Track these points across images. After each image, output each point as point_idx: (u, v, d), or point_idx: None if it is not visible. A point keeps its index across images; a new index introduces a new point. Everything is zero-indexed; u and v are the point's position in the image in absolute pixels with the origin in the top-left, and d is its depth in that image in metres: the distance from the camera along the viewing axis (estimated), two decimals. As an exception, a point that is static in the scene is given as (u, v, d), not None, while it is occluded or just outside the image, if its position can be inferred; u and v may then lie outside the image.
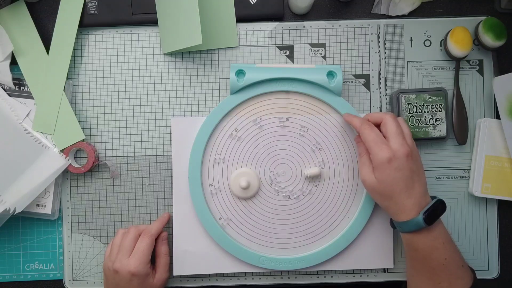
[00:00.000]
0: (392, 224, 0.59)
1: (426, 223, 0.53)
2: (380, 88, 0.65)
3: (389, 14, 0.65)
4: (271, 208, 0.63)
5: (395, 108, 0.63)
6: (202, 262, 0.63)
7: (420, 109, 0.63)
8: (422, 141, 0.63)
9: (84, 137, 0.63)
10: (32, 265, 0.65)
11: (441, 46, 0.65)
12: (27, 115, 0.63)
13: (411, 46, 0.65)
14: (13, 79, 0.62)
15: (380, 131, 0.56)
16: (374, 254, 0.63)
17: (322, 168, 0.63)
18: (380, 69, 0.65)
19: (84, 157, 0.64)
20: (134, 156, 0.64)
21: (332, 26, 0.65)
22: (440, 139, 0.63)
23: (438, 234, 0.54)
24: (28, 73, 0.63)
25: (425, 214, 0.53)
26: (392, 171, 0.53)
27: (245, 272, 0.64)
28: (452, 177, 0.65)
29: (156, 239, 0.61)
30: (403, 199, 0.54)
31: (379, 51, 0.65)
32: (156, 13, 0.63)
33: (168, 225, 0.64)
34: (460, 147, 0.65)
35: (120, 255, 0.58)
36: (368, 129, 0.56)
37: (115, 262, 0.58)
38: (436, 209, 0.54)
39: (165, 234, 0.63)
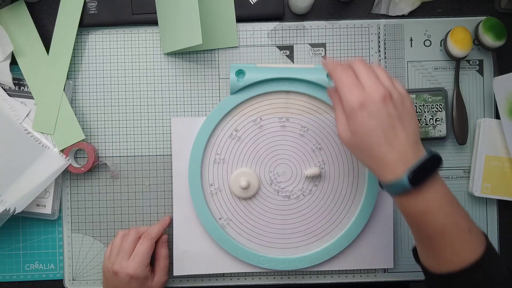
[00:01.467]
0: (380, 184, 0.50)
1: (412, 185, 0.44)
2: (380, 88, 0.65)
3: (389, 14, 0.65)
4: (271, 208, 0.63)
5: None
6: (202, 262, 0.63)
7: (420, 109, 0.63)
8: (422, 141, 0.63)
9: (84, 137, 0.63)
10: (32, 265, 0.65)
11: (441, 46, 0.65)
12: (27, 115, 0.63)
13: (411, 46, 0.65)
14: (13, 79, 0.62)
15: None
16: (374, 254, 0.63)
17: (322, 168, 0.63)
18: (380, 69, 0.65)
19: (84, 157, 0.64)
20: (134, 156, 0.64)
21: (332, 26, 0.65)
22: (440, 139, 0.63)
23: (432, 196, 0.45)
24: (28, 73, 0.63)
25: (411, 173, 0.44)
26: (366, 118, 0.45)
27: (245, 272, 0.64)
28: (452, 177, 0.65)
29: (156, 241, 0.61)
30: (384, 152, 0.45)
31: (379, 51, 0.65)
32: (156, 13, 0.63)
33: (168, 227, 0.64)
34: (460, 147, 0.65)
35: (119, 257, 0.58)
36: (339, 71, 0.47)
37: (115, 264, 0.58)
38: (427, 166, 0.45)
39: (165, 237, 0.63)
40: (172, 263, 0.63)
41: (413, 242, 0.64)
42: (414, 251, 0.53)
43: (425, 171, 0.45)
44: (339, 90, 0.47)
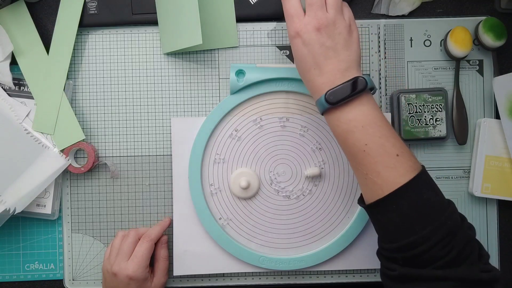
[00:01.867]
0: None
1: (329, 103, 0.48)
2: (380, 88, 0.65)
3: (389, 14, 0.65)
4: (271, 208, 0.63)
5: (395, 108, 0.63)
6: (202, 262, 0.63)
7: (420, 109, 0.63)
8: (422, 141, 0.63)
9: (84, 137, 0.63)
10: (32, 265, 0.65)
11: (441, 46, 0.65)
12: (27, 115, 0.63)
13: (411, 46, 0.65)
14: (13, 79, 0.62)
15: None
16: (374, 254, 0.63)
17: (322, 168, 0.63)
18: (380, 69, 0.65)
19: (84, 157, 0.64)
20: (134, 156, 0.64)
21: (332, 26, 0.65)
22: (440, 139, 0.63)
23: (355, 115, 0.48)
24: (28, 73, 0.63)
25: (328, 93, 0.48)
26: (300, 46, 0.50)
27: (245, 272, 0.64)
28: (452, 177, 0.65)
29: (156, 243, 0.61)
30: (313, 76, 0.50)
31: (379, 51, 0.65)
32: (156, 13, 0.63)
33: (168, 228, 0.64)
34: (460, 147, 0.65)
35: (119, 258, 0.58)
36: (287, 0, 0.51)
37: (114, 265, 0.58)
38: (347, 88, 0.48)
39: (165, 238, 0.63)
40: (172, 263, 0.63)
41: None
42: (360, 197, 0.53)
43: (343, 92, 0.48)
44: (285, 19, 0.51)
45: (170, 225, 0.63)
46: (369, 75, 0.64)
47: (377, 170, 0.47)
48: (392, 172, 0.46)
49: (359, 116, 0.48)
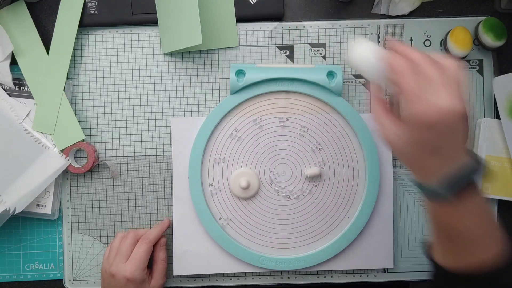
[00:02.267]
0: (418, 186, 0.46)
1: (447, 195, 0.41)
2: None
3: (389, 14, 0.65)
4: (271, 208, 0.63)
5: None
6: (202, 262, 0.63)
7: (420, 109, 0.63)
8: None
9: (84, 137, 0.63)
10: (32, 265, 0.65)
11: (441, 46, 0.65)
12: (27, 115, 0.63)
13: (411, 46, 0.65)
14: (13, 79, 0.62)
15: None
16: (374, 254, 0.63)
17: (322, 168, 0.63)
18: (380, 69, 0.65)
19: (84, 157, 0.64)
20: (134, 156, 0.64)
21: (332, 26, 0.65)
22: (440, 139, 0.63)
23: (465, 203, 0.42)
24: (28, 73, 0.63)
25: (448, 180, 0.41)
26: (442, 131, 0.40)
27: (245, 272, 0.64)
28: (452, 177, 0.65)
29: (155, 244, 0.61)
30: (433, 162, 0.42)
31: (379, 51, 0.65)
32: (156, 13, 0.63)
33: (167, 229, 0.64)
34: (460, 147, 0.65)
35: (117, 259, 0.58)
36: (410, 68, 0.42)
37: (112, 266, 0.58)
38: (465, 176, 0.41)
39: (163, 240, 0.63)
40: (172, 263, 0.63)
41: (413, 242, 0.64)
42: (424, 245, 0.51)
43: (464, 181, 0.41)
44: (408, 99, 0.42)
45: (170, 226, 0.63)
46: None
47: (470, 250, 0.44)
48: (483, 251, 0.43)
49: (473, 208, 0.43)
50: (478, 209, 0.43)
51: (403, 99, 0.43)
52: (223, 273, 0.64)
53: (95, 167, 0.64)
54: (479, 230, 0.44)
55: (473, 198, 0.42)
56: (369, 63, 0.47)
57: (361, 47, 0.48)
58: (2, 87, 0.63)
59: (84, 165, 0.63)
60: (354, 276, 0.65)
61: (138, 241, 0.60)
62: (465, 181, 0.41)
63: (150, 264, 0.61)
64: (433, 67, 0.41)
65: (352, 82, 0.65)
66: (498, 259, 0.43)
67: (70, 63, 0.63)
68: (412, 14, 0.65)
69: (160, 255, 0.62)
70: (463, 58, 0.64)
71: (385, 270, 0.65)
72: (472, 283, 0.44)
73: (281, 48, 0.65)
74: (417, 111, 0.40)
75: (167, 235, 0.64)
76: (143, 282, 0.58)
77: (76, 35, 0.63)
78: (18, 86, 0.63)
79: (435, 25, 0.65)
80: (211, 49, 0.64)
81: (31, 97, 0.63)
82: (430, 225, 0.47)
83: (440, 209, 0.44)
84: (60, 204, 0.64)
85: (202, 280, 0.65)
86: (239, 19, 0.64)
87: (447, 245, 0.46)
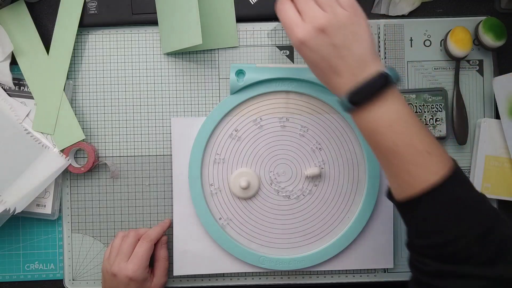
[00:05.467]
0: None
1: (352, 104, 0.45)
2: (380, 88, 0.65)
3: (389, 14, 0.65)
4: (271, 208, 0.63)
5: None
6: (202, 262, 0.63)
7: (420, 109, 0.63)
8: (422, 141, 0.63)
9: (84, 137, 0.63)
10: (32, 265, 0.65)
11: (441, 46, 0.65)
12: (27, 115, 0.63)
13: (411, 46, 0.65)
14: (13, 79, 0.62)
15: None
16: (374, 254, 0.63)
17: (322, 168, 0.63)
18: (380, 69, 0.65)
19: (84, 157, 0.64)
20: (134, 156, 0.64)
21: (332, 26, 0.65)
22: (440, 139, 0.63)
23: (381, 114, 0.45)
24: (28, 73, 0.63)
25: (350, 94, 0.45)
26: (309, 54, 0.46)
27: (245, 272, 0.64)
28: (452, 177, 0.65)
29: (156, 243, 0.61)
30: (332, 79, 0.47)
31: (379, 51, 0.65)
32: (156, 13, 0.63)
33: (168, 228, 0.64)
34: (460, 147, 0.65)
35: (118, 258, 0.58)
36: (281, 10, 0.48)
37: (113, 266, 0.58)
38: (370, 86, 0.45)
39: (165, 239, 0.63)
40: (172, 263, 0.63)
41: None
42: (387, 189, 0.52)
43: (367, 91, 0.45)
44: (285, 31, 0.48)
45: (170, 226, 0.63)
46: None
47: (407, 169, 0.45)
48: (423, 170, 0.44)
49: (386, 114, 0.45)
50: (395, 121, 0.45)
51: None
52: (223, 273, 0.64)
53: (95, 167, 0.64)
54: (403, 144, 0.45)
55: (384, 105, 0.45)
56: None
57: None
58: (2, 87, 0.63)
59: (84, 165, 0.63)
60: (354, 276, 0.65)
61: (139, 240, 0.60)
62: (370, 90, 0.45)
63: (151, 263, 0.61)
64: None
65: (352, 82, 0.65)
66: (437, 175, 0.43)
67: (70, 63, 0.63)
68: (412, 14, 0.65)
69: (162, 253, 0.62)
70: (463, 58, 0.64)
71: (385, 270, 0.65)
72: (416, 206, 0.45)
73: (281, 48, 0.65)
74: (288, 35, 0.47)
75: (167, 235, 0.64)
76: (145, 281, 0.58)
77: (76, 35, 0.63)
78: (18, 86, 0.63)
79: (435, 25, 0.65)
80: (211, 49, 0.64)
81: (31, 97, 0.63)
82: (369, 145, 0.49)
83: (362, 124, 0.47)
84: (60, 204, 0.64)
85: (202, 280, 0.65)
86: (239, 19, 0.64)
87: (389, 174, 0.48)
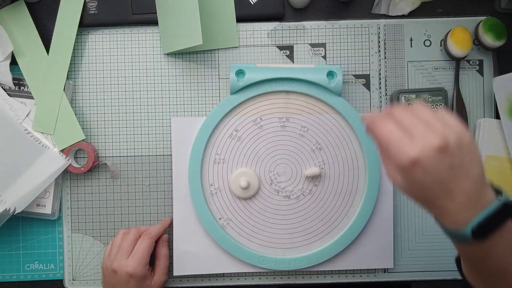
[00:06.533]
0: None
1: (475, 238, 0.39)
2: (380, 88, 0.65)
3: (389, 14, 0.65)
4: (271, 208, 0.63)
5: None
6: (202, 262, 0.63)
7: (420, 109, 0.63)
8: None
9: (84, 137, 0.63)
10: (32, 265, 0.65)
11: (441, 46, 0.65)
12: (27, 115, 0.63)
13: (411, 46, 0.65)
14: (13, 79, 0.62)
15: None
16: (374, 254, 0.63)
17: (322, 168, 0.63)
18: (380, 69, 0.65)
19: (84, 157, 0.64)
20: (134, 156, 0.64)
21: (332, 26, 0.65)
22: (440, 139, 0.63)
23: (496, 242, 0.39)
24: (28, 73, 0.62)
25: (476, 226, 0.38)
26: (421, 175, 0.38)
27: (245, 272, 0.64)
28: (452, 177, 0.65)
29: (157, 241, 0.61)
30: (443, 203, 0.40)
31: (379, 51, 0.65)
32: (156, 13, 0.63)
33: (168, 228, 0.64)
34: (460, 147, 0.65)
35: (119, 255, 0.58)
36: (379, 125, 0.41)
37: (114, 262, 0.58)
38: (495, 218, 0.39)
39: (166, 237, 0.63)
40: (172, 263, 0.63)
41: (413, 242, 0.64)
42: (458, 262, 0.49)
43: (492, 223, 0.39)
44: (386, 148, 0.40)
45: (170, 225, 0.63)
46: None
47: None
48: None
49: (503, 239, 0.40)
50: (509, 243, 0.40)
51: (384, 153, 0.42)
52: (223, 273, 0.64)
53: (95, 167, 0.64)
54: (510, 263, 0.41)
55: (505, 236, 0.40)
56: None
57: None
58: (2, 87, 0.63)
59: (84, 165, 0.63)
60: (354, 276, 0.65)
61: (140, 238, 0.60)
62: (495, 223, 0.39)
63: (152, 261, 0.61)
64: (404, 113, 0.41)
65: (352, 82, 0.65)
66: None
67: (70, 63, 0.63)
68: (412, 14, 0.65)
69: (163, 251, 0.62)
70: (463, 58, 0.64)
71: (385, 270, 0.65)
72: None
73: (281, 48, 0.65)
74: (394, 153, 0.39)
75: (167, 234, 0.64)
76: (145, 278, 0.58)
77: (76, 35, 0.63)
78: (18, 86, 0.63)
79: (435, 25, 0.65)
80: (211, 49, 0.64)
81: (31, 97, 0.63)
82: (462, 259, 0.46)
83: (470, 251, 0.42)
84: (60, 204, 0.64)
85: (202, 280, 0.65)
86: (239, 19, 0.64)
87: (482, 278, 0.44)
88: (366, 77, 0.65)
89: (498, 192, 0.42)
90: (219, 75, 0.65)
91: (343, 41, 0.65)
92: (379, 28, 0.65)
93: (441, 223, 0.41)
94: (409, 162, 0.38)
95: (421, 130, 0.39)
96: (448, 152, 0.38)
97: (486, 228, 0.39)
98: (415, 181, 0.39)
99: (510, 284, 0.42)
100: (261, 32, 0.65)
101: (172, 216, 0.64)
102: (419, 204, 0.42)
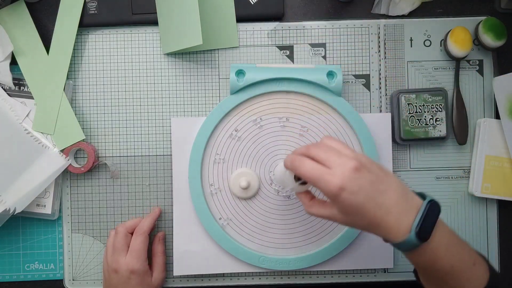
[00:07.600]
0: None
1: (421, 240, 0.43)
2: (380, 88, 0.65)
3: (389, 14, 0.65)
4: (271, 208, 0.63)
5: (395, 108, 0.63)
6: (202, 262, 0.63)
7: (420, 109, 0.63)
8: (422, 141, 0.63)
9: (84, 137, 0.63)
10: (32, 265, 0.65)
11: (441, 46, 0.65)
12: (27, 115, 0.63)
13: (411, 46, 0.65)
14: (13, 79, 0.62)
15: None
16: (374, 254, 0.63)
17: (322, 168, 0.63)
18: (380, 69, 0.65)
19: (84, 157, 0.64)
20: (134, 156, 0.64)
21: (332, 26, 0.65)
22: (440, 139, 0.63)
23: (438, 242, 0.45)
24: (28, 73, 0.63)
25: (417, 228, 0.43)
26: (350, 199, 0.43)
27: (245, 272, 0.64)
28: (452, 177, 0.65)
29: (153, 239, 0.62)
30: (381, 218, 0.44)
31: (379, 51, 0.65)
32: (156, 13, 0.63)
33: (167, 225, 0.64)
34: (460, 147, 0.65)
35: (115, 254, 0.58)
36: (300, 166, 0.46)
37: (113, 262, 0.58)
38: (430, 217, 0.44)
39: (162, 234, 0.63)
40: (172, 263, 0.63)
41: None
42: (416, 272, 0.53)
43: (430, 221, 0.44)
44: (314, 184, 0.45)
45: (170, 225, 0.64)
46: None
47: (460, 284, 0.47)
48: (473, 281, 0.47)
49: (443, 240, 0.45)
50: (449, 244, 0.46)
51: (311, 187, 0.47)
52: (223, 273, 0.64)
53: (95, 167, 0.64)
54: (458, 263, 0.46)
55: (444, 235, 0.45)
56: (282, 176, 0.53)
57: (276, 170, 0.60)
58: (2, 87, 0.63)
59: (84, 165, 0.63)
60: (354, 276, 0.65)
61: (129, 233, 0.60)
62: (432, 220, 0.44)
63: (150, 261, 0.61)
64: (316, 149, 0.46)
65: (352, 82, 0.65)
66: (482, 282, 0.47)
67: (70, 63, 0.63)
68: (412, 14, 0.65)
69: (159, 248, 0.62)
70: (463, 58, 0.64)
71: (385, 270, 0.65)
72: None
73: (281, 48, 0.65)
74: (322, 187, 0.44)
75: (167, 235, 0.64)
76: (145, 273, 0.58)
77: (76, 35, 0.63)
78: (18, 86, 0.63)
79: (435, 25, 0.65)
80: (211, 49, 0.64)
81: (31, 97, 0.63)
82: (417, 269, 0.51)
83: (421, 258, 0.46)
84: (60, 204, 0.64)
85: (202, 280, 0.65)
86: (239, 19, 0.64)
87: (434, 284, 0.49)
88: (366, 77, 0.65)
89: (422, 196, 0.46)
90: (219, 75, 0.65)
91: (343, 41, 0.65)
92: (379, 28, 0.65)
93: (389, 240, 0.45)
94: (337, 189, 0.43)
95: (336, 159, 0.44)
96: (364, 170, 0.44)
97: (427, 227, 0.44)
98: (350, 205, 0.43)
99: (460, 278, 0.46)
100: (261, 32, 0.65)
101: (172, 216, 0.64)
102: (366, 230, 0.46)
